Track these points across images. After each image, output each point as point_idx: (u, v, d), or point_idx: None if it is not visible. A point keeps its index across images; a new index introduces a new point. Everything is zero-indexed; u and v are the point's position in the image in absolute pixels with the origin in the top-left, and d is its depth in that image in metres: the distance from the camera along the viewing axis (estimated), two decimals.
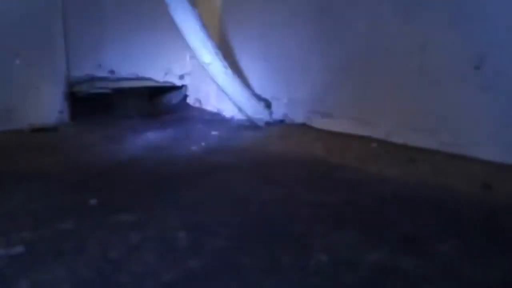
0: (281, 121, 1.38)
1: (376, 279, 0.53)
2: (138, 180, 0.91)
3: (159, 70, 1.68)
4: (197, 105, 1.73)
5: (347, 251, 0.59)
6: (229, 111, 1.56)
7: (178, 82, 1.73)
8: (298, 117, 1.33)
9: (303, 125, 1.30)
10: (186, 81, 1.74)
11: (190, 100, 1.76)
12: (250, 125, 1.41)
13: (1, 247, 0.59)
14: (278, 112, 1.38)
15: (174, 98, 1.75)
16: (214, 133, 1.36)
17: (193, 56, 1.70)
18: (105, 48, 1.57)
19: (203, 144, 1.23)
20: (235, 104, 1.37)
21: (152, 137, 1.33)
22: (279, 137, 1.24)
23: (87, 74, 1.54)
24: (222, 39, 1.51)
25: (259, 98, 1.38)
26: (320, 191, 0.82)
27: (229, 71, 1.31)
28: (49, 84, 1.39)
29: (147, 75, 1.66)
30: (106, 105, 1.61)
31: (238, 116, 1.51)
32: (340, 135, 1.18)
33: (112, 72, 1.59)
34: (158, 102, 1.72)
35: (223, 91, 1.34)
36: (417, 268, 0.55)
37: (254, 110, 1.37)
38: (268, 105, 1.39)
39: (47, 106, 1.40)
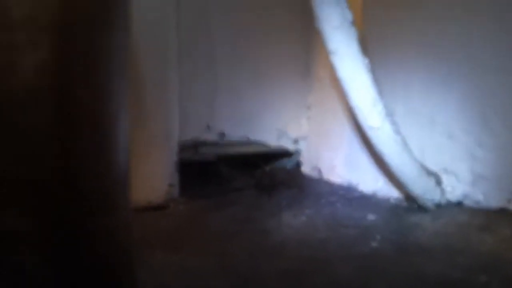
0: (459, 203, 1.06)
1: None
2: None
3: (271, 132, 1.40)
4: (315, 175, 1.43)
5: None
6: (367, 184, 1.25)
7: (291, 147, 1.44)
8: (489, 199, 1.01)
9: (503, 211, 0.98)
10: (301, 145, 1.45)
11: (305, 169, 1.45)
12: (410, 206, 1.10)
13: None
14: (453, 190, 1.07)
15: (286, 165, 1.46)
16: (370, 217, 1.05)
17: (311, 117, 1.43)
18: (215, 106, 1.30)
19: (378, 237, 0.91)
20: (400, 179, 1.06)
21: (293, 222, 1.02)
22: (480, 229, 0.92)
23: (194, 137, 1.27)
24: None
25: (428, 171, 1.07)
26: None
27: (399, 138, 1.01)
28: (159, 150, 1.10)
29: (258, 138, 1.38)
30: (211, 174, 1.32)
31: (382, 191, 1.20)
32: None
33: (222, 135, 1.31)
34: (270, 170, 1.43)
35: (387, 162, 1.04)
36: None
37: (424, 188, 1.05)
38: (438, 180, 1.08)
39: (156, 178, 1.10)
